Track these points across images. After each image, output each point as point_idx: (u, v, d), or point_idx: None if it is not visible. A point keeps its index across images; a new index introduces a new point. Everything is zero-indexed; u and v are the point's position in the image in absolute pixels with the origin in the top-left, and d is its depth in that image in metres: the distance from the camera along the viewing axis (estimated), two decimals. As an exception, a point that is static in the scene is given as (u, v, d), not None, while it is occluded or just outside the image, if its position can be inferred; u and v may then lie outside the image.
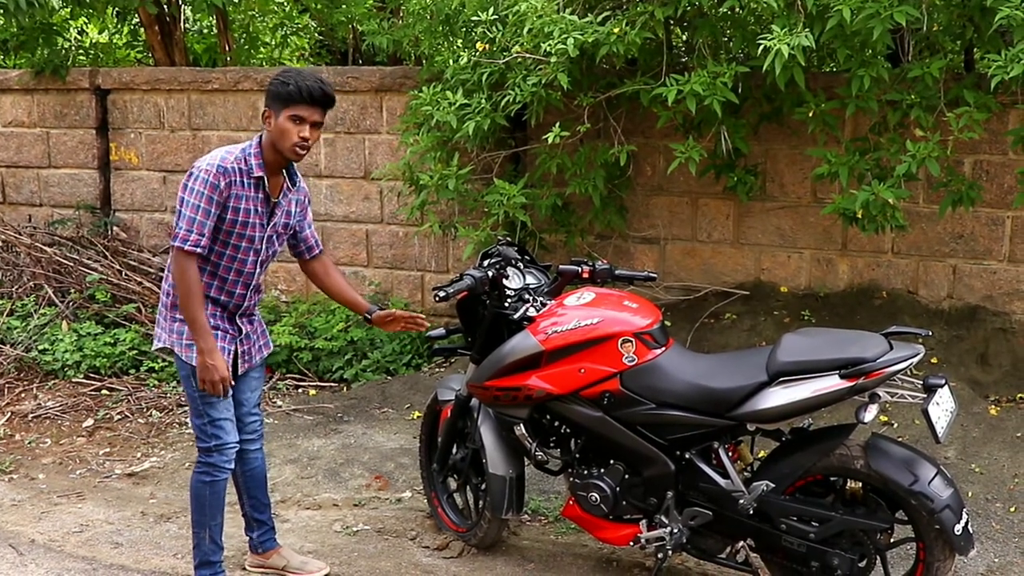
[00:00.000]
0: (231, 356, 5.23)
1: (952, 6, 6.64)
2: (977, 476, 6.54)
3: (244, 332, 5.32)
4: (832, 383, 4.76)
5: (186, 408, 8.39)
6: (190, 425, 5.37)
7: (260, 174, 5.03)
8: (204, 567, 5.39)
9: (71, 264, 9.91)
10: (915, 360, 4.76)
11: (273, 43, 13.62)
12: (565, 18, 6.94)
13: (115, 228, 10.40)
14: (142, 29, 11.85)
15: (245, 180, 5.01)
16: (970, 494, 6.34)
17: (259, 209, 5.09)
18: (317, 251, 5.59)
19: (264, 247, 5.20)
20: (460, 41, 8.36)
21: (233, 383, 5.22)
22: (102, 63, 12.07)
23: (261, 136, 5.11)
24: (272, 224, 5.19)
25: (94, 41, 12.91)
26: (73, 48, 11.91)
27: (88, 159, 10.49)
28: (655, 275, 5.80)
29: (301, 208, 5.39)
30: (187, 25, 12.51)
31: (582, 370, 5.21)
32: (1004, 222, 7.76)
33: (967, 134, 6.57)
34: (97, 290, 9.57)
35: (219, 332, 5.14)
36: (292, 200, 5.29)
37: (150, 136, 10.29)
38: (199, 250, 4.91)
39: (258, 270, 5.24)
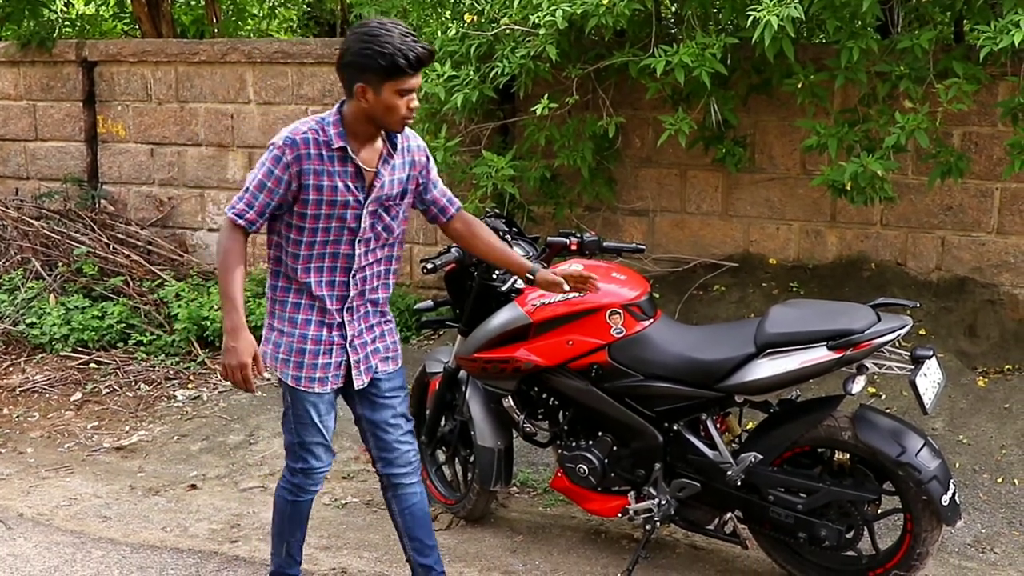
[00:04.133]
0: (342, 368, 4.67)
1: (942, -23, 6.64)
2: (964, 447, 6.56)
3: (349, 338, 4.65)
4: (820, 354, 4.78)
5: (175, 380, 8.42)
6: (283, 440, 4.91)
7: (341, 144, 4.42)
8: None
9: (58, 237, 9.88)
10: (903, 331, 4.78)
11: (260, 14, 13.59)
12: (553, -11, 6.91)
13: (103, 201, 10.37)
14: (129, 1, 11.79)
15: (324, 153, 4.42)
16: (957, 465, 6.35)
17: (350, 184, 4.46)
18: (452, 210, 4.93)
19: (363, 224, 4.53)
20: (448, 13, 8.33)
21: (336, 386, 4.68)
22: (88, 35, 12.02)
23: (342, 104, 4.50)
24: (373, 198, 4.53)
25: (80, 13, 12.85)
26: (59, 20, 11.86)
27: (75, 132, 10.45)
28: (643, 247, 5.78)
29: (417, 169, 4.73)
30: (174, -4, 12.47)
31: (570, 342, 5.21)
32: (993, 194, 7.75)
33: (956, 106, 6.56)
34: (85, 263, 9.55)
35: (321, 346, 4.60)
36: (396, 166, 4.61)
37: (137, 108, 10.25)
38: (242, 223, 4.41)
39: (358, 251, 4.57)
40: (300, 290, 4.57)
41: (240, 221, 4.42)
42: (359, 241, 4.56)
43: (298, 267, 4.54)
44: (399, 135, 4.60)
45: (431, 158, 4.84)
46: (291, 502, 4.88)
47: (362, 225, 4.53)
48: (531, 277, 4.94)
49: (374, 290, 4.71)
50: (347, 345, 4.64)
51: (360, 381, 4.70)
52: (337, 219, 4.48)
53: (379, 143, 4.55)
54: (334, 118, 4.46)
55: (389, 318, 4.86)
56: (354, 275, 4.60)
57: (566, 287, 4.90)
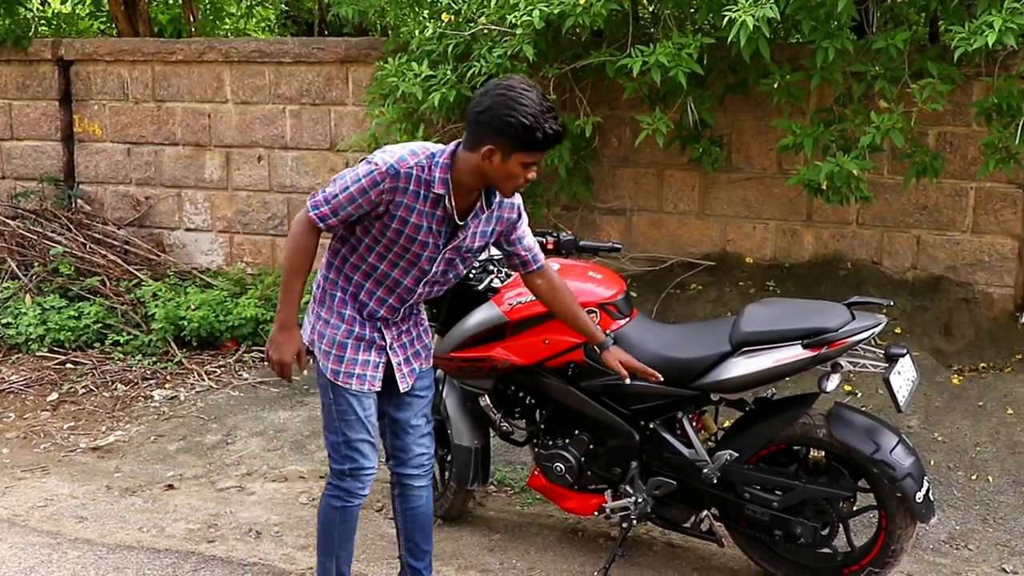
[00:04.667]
0: (380, 369, 4.59)
1: (917, -23, 6.68)
2: (939, 444, 6.59)
3: (389, 341, 4.60)
4: (794, 353, 4.80)
5: (152, 380, 8.39)
6: (324, 442, 4.76)
7: (441, 192, 4.27)
8: None
9: (34, 237, 9.84)
10: (877, 330, 4.81)
11: (238, 13, 13.56)
12: (530, -11, 6.92)
13: (79, 201, 10.33)
14: (105, -1, 11.78)
15: (421, 192, 4.27)
16: (932, 462, 6.39)
17: (434, 227, 4.35)
18: (533, 267, 4.80)
19: (436, 269, 4.47)
20: (426, 12, 8.33)
21: (376, 387, 4.59)
22: (65, 34, 11.96)
23: (457, 148, 4.33)
24: (452, 247, 4.44)
25: (56, 11, 12.81)
26: (35, 18, 11.80)
27: (51, 131, 10.41)
28: (619, 246, 5.79)
29: (503, 225, 4.59)
30: (151, -5, 12.44)
31: (546, 341, 5.22)
32: (968, 193, 7.80)
33: (931, 105, 6.60)
34: (61, 263, 9.52)
35: (362, 343, 4.54)
36: (485, 219, 4.49)
37: (114, 108, 10.22)
38: (322, 227, 4.28)
39: (421, 289, 4.52)
40: (349, 290, 4.52)
41: (321, 225, 4.30)
42: (426, 282, 4.51)
43: (356, 273, 4.49)
44: (495, 199, 4.50)
45: (523, 215, 4.70)
46: (340, 509, 4.68)
47: (434, 269, 4.46)
48: (597, 351, 4.98)
49: (415, 312, 4.74)
50: (387, 348, 4.59)
51: (404, 384, 4.66)
52: (411, 255, 4.40)
53: (476, 196, 4.41)
54: (445, 160, 4.29)
55: (423, 316, 4.82)
56: (407, 303, 4.57)
57: (627, 380, 4.94)
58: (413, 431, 4.78)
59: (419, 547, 4.94)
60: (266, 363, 4.52)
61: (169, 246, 10.23)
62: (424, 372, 4.77)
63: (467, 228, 4.43)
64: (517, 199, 4.61)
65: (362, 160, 4.33)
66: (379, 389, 4.59)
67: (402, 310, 4.58)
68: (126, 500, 6.46)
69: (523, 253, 4.75)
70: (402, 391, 4.66)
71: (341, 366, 4.52)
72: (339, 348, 4.52)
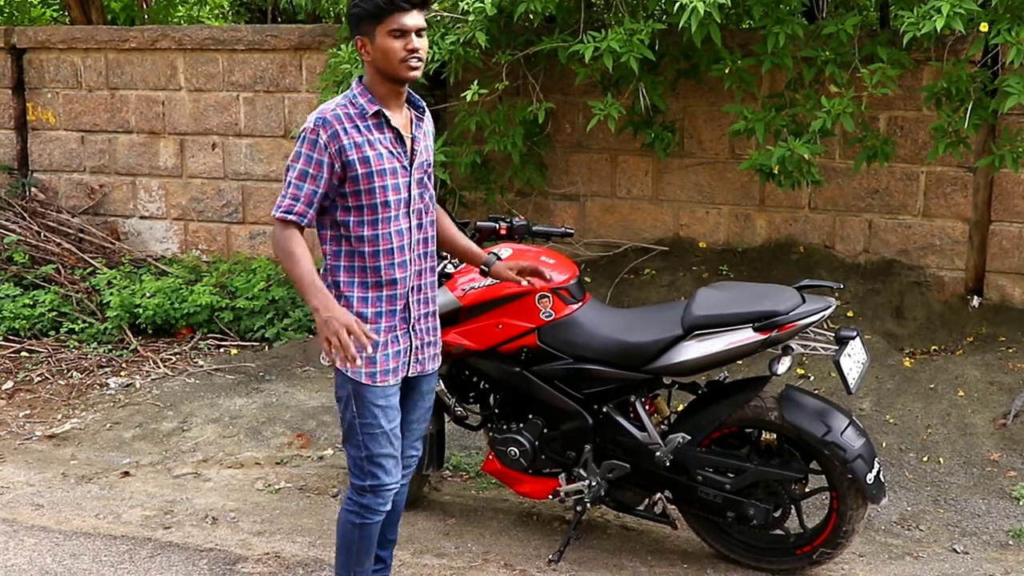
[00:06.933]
0: (409, 355, 4.38)
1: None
2: (891, 427, 6.66)
3: (412, 321, 4.37)
4: (745, 336, 4.85)
5: (107, 368, 8.36)
6: (344, 454, 4.58)
7: (376, 108, 4.18)
8: None
9: (-12, 226, 9.80)
10: (827, 312, 4.86)
11: (191, 1, 13.50)
12: (483, -25, 6.94)
13: (33, 189, 10.28)
14: (57, -13, 11.70)
15: (360, 123, 4.17)
16: (884, 444, 6.46)
17: (394, 150, 4.24)
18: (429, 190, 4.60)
19: (413, 194, 4.31)
20: (379, -1, 8.32)
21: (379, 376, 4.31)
22: (17, 21, 11.90)
23: (361, 76, 4.27)
24: (417, 165, 4.33)
25: (8, -1, 12.75)
26: (-13, 7, 11.74)
27: (4, 119, 10.33)
28: (572, 231, 5.80)
29: (431, 140, 4.53)
30: (103, -17, 12.37)
31: (500, 326, 5.24)
32: (918, 177, 7.87)
33: (881, 90, 6.65)
34: (15, 252, 9.46)
35: (390, 336, 4.30)
36: (426, 132, 4.46)
37: (67, 96, 10.16)
38: (293, 218, 4.11)
39: (414, 222, 4.32)
40: (366, 278, 4.28)
41: (291, 217, 4.12)
42: (413, 212, 4.32)
43: (366, 250, 4.24)
44: (422, 101, 4.43)
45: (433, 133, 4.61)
46: (359, 526, 4.45)
47: (412, 194, 4.31)
48: (486, 269, 4.81)
49: (428, 271, 4.47)
50: (410, 329, 4.38)
51: (417, 368, 4.45)
52: (392, 190, 4.22)
53: (407, 109, 4.35)
54: (359, 89, 4.23)
55: (435, 309, 4.56)
56: (414, 251, 4.35)
57: (524, 282, 4.85)
58: (410, 434, 4.58)
59: (386, 537, 4.78)
60: (327, 356, 4.07)
61: (124, 234, 10.19)
62: (433, 375, 4.60)
63: (417, 141, 4.35)
64: (422, 103, 4.50)
65: (295, 147, 4.21)
66: (407, 374, 4.41)
67: (414, 263, 4.35)
68: (82, 487, 6.45)
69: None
70: (411, 374, 4.42)
71: (375, 366, 4.29)
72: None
